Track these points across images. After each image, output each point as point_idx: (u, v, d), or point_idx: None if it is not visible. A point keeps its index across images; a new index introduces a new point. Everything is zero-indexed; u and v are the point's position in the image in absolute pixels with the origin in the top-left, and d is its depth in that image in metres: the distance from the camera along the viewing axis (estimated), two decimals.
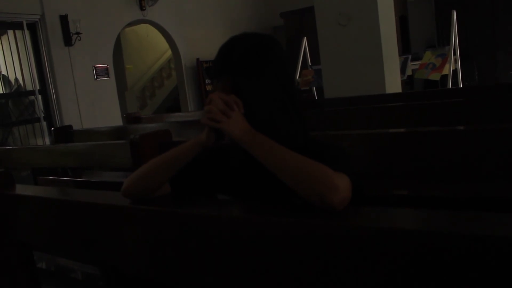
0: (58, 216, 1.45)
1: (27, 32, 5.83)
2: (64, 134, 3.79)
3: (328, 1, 4.57)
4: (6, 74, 6.08)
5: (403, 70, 5.14)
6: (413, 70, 5.56)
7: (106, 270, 1.91)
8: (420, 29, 8.48)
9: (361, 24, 4.40)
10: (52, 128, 4.07)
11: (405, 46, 8.15)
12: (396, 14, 5.32)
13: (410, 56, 5.51)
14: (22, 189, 1.60)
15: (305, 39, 6.34)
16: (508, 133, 1.52)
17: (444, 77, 5.12)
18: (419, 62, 5.42)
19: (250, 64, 1.08)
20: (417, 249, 0.75)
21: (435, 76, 5.06)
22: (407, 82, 7.18)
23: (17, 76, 6.07)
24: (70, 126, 3.97)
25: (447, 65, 4.98)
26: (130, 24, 7.40)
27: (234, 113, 1.03)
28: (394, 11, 4.69)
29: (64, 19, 6.01)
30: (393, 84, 4.54)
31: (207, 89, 8.12)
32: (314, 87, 6.06)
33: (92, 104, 6.32)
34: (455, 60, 5.14)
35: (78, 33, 6.06)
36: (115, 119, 6.43)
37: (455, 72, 5.12)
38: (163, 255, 1.14)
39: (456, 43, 5.10)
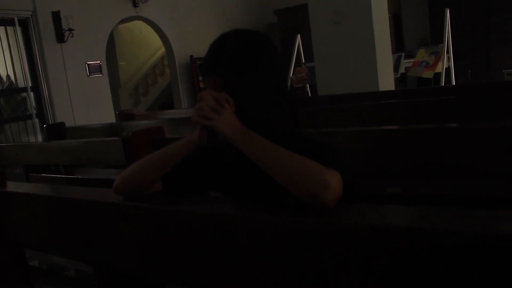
0: (50, 214, 1.44)
1: (18, 29, 5.77)
2: (56, 131, 3.78)
3: None
4: None
5: (396, 67, 5.15)
6: (406, 68, 5.57)
7: (99, 268, 1.90)
8: (414, 27, 8.51)
9: (354, 22, 4.40)
10: (45, 125, 4.05)
11: (398, 44, 8.18)
12: (389, 12, 5.33)
13: (403, 54, 5.52)
14: (13, 187, 1.59)
15: (298, 37, 6.33)
16: (501, 132, 1.52)
17: (437, 75, 5.13)
18: (412, 60, 5.42)
19: (242, 61, 1.06)
20: (409, 246, 0.76)
21: (428, 74, 5.07)
22: (400, 79, 7.20)
23: (8, 73, 6.01)
24: (62, 123, 3.95)
25: (440, 63, 4.99)
26: (123, 21, 7.36)
27: (225, 111, 1.02)
28: (388, 9, 4.69)
29: (56, 16, 5.96)
30: (386, 81, 4.55)
31: (201, 86, 8.09)
32: (307, 85, 6.06)
33: (85, 101, 6.29)
34: (448, 58, 5.15)
35: (70, 30, 6.01)
36: (108, 116, 6.39)
37: (448, 70, 5.13)
38: (157, 252, 1.13)
39: (449, 41, 5.11)
